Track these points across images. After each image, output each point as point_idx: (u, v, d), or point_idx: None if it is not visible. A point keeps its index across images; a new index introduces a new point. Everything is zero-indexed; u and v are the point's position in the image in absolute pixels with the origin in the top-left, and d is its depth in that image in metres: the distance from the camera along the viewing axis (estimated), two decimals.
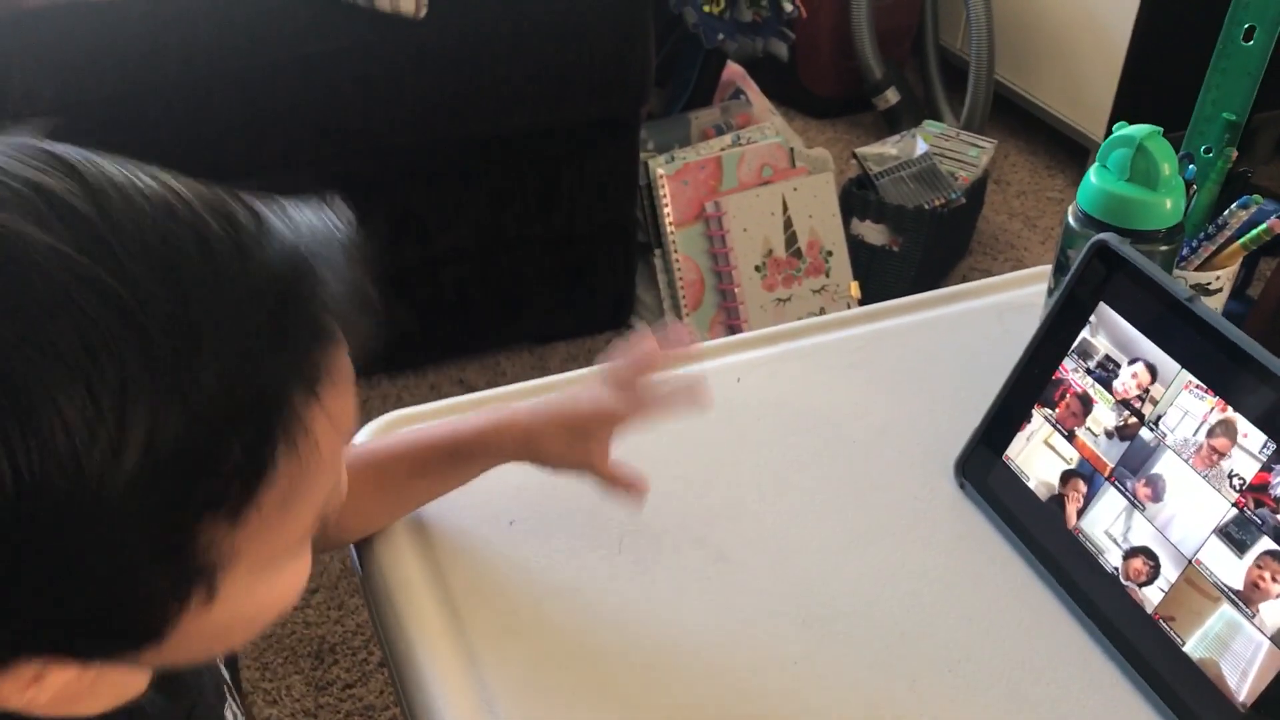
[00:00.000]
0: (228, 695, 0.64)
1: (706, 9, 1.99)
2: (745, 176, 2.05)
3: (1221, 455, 0.69)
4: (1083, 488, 0.76)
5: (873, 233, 2.17)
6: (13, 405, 0.36)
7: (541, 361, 2.01)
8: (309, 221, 0.45)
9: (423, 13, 1.73)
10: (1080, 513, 0.76)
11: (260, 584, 0.46)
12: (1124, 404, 0.75)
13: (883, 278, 2.16)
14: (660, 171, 1.99)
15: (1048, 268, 0.95)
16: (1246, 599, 0.67)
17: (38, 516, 0.37)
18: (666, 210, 2.00)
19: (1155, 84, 2.12)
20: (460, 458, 0.77)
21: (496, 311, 1.99)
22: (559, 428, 0.75)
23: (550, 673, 0.71)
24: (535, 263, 1.97)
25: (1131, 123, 0.82)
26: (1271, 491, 0.67)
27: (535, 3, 1.80)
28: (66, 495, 0.36)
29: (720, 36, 2.01)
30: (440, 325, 1.95)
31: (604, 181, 1.92)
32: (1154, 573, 0.72)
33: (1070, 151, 2.68)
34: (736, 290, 2.03)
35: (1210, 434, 0.70)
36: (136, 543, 0.39)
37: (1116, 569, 0.73)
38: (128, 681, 0.51)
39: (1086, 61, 2.54)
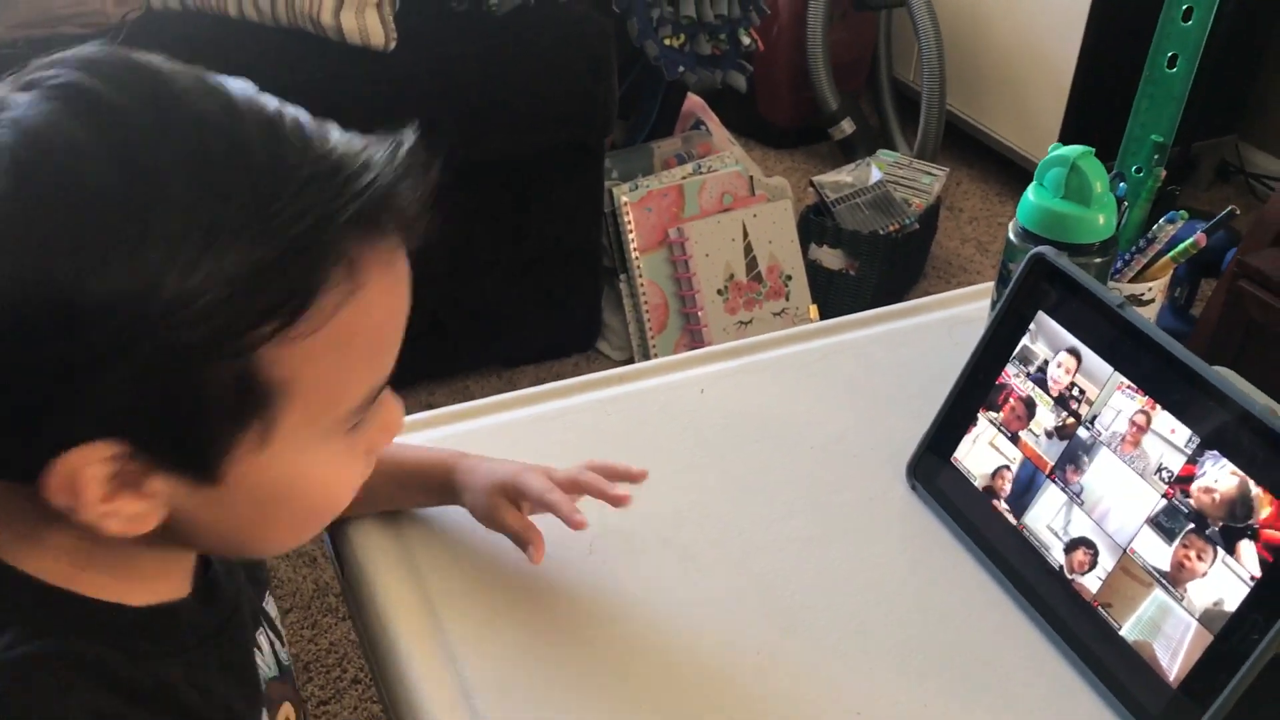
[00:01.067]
0: (263, 623, 0.67)
1: (667, 42, 2.05)
2: (706, 204, 2.11)
3: (1143, 432, 0.74)
4: (1013, 480, 0.82)
5: (830, 257, 2.24)
6: (122, 222, 0.44)
7: (509, 385, 2.05)
8: (373, 138, 0.51)
9: (392, 45, 1.78)
10: (1023, 508, 0.81)
11: (309, 453, 0.52)
12: (1061, 404, 0.80)
13: (840, 301, 2.22)
14: (624, 199, 2.04)
15: (992, 284, 1.01)
16: (1174, 580, 0.72)
17: (123, 315, 0.44)
18: (631, 236, 2.05)
19: (1099, 111, 2.20)
20: (431, 487, 0.83)
21: (464, 335, 2.02)
22: (484, 482, 0.79)
23: (527, 668, 0.75)
24: (503, 288, 2.01)
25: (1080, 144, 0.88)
26: (1196, 482, 0.72)
27: (501, 36, 1.85)
28: (146, 297, 0.44)
29: (680, 69, 2.07)
30: (408, 349, 1.98)
31: (570, 208, 1.97)
32: (1093, 562, 0.76)
33: (1020, 178, 2.76)
34: (700, 314, 2.08)
35: (1135, 423, 0.75)
36: (206, 346, 0.45)
37: (1059, 561, 0.78)
38: (182, 537, 0.54)
39: (1034, 91, 2.63)
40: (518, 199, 1.94)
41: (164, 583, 0.58)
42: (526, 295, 2.03)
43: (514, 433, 0.94)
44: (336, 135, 0.50)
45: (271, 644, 0.67)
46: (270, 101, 0.50)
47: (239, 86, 0.49)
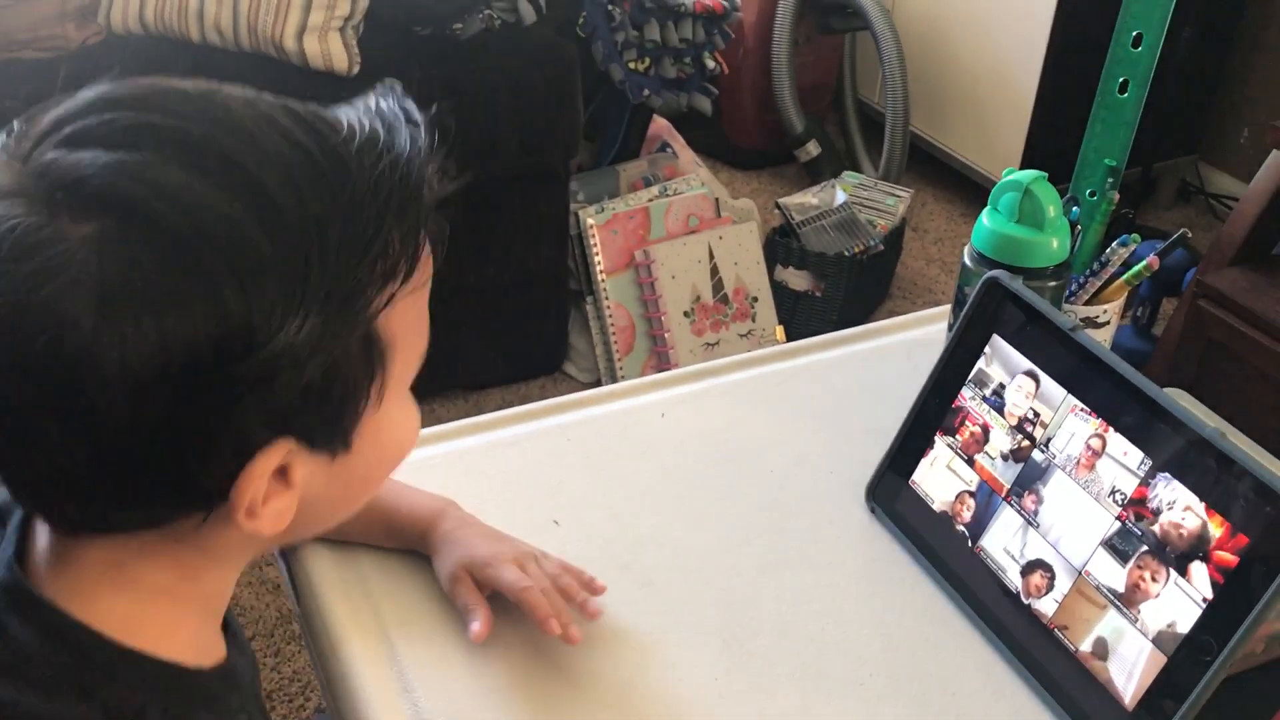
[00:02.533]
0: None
1: (632, 65, 2.05)
2: (673, 226, 2.11)
3: (1097, 456, 0.75)
4: (970, 503, 0.82)
5: (796, 279, 2.24)
6: (281, 258, 0.47)
7: (475, 408, 2.04)
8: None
9: (355, 69, 1.77)
10: (980, 531, 0.81)
11: (399, 407, 0.55)
12: (1017, 428, 0.80)
13: (806, 322, 2.23)
14: (590, 221, 2.04)
15: (949, 309, 1.01)
16: (1129, 601, 0.72)
17: (289, 326, 0.46)
18: (597, 258, 2.05)
19: (1061, 132, 2.23)
20: (393, 532, 0.82)
21: (431, 359, 2.01)
22: (459, 563, 0.79)
23: (484, 694, 0.74)
24: (469, 311, 2.00)
25: (1043, 169, 0.88)
26: (1149, 504, 0.72)
27: (466, 61, 1.85)
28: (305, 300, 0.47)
29: (646, 92, 2.08)
30: None
31: (536, 231, 1.97)
32: (1049, 585, 0.77)
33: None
34: (667, 335, 2.09)
35: (1089, 446, 0.76)
36: (346, 323, 0.49)
37: (1016, 584, 0.78)
38: (297, 525, 0.55)
39: (997, 114, 2.66)
40: (483, 222, 1.93)
41: (204, 637, 0.58)
42: (492, 318, 2.03)
43: (475, 458, 0.94)
44: (345, 111, 0.53)
45: None
46: (273, 98, 0.52)
47: (250, 93, 0.52)
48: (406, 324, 0.53)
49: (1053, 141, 2.51)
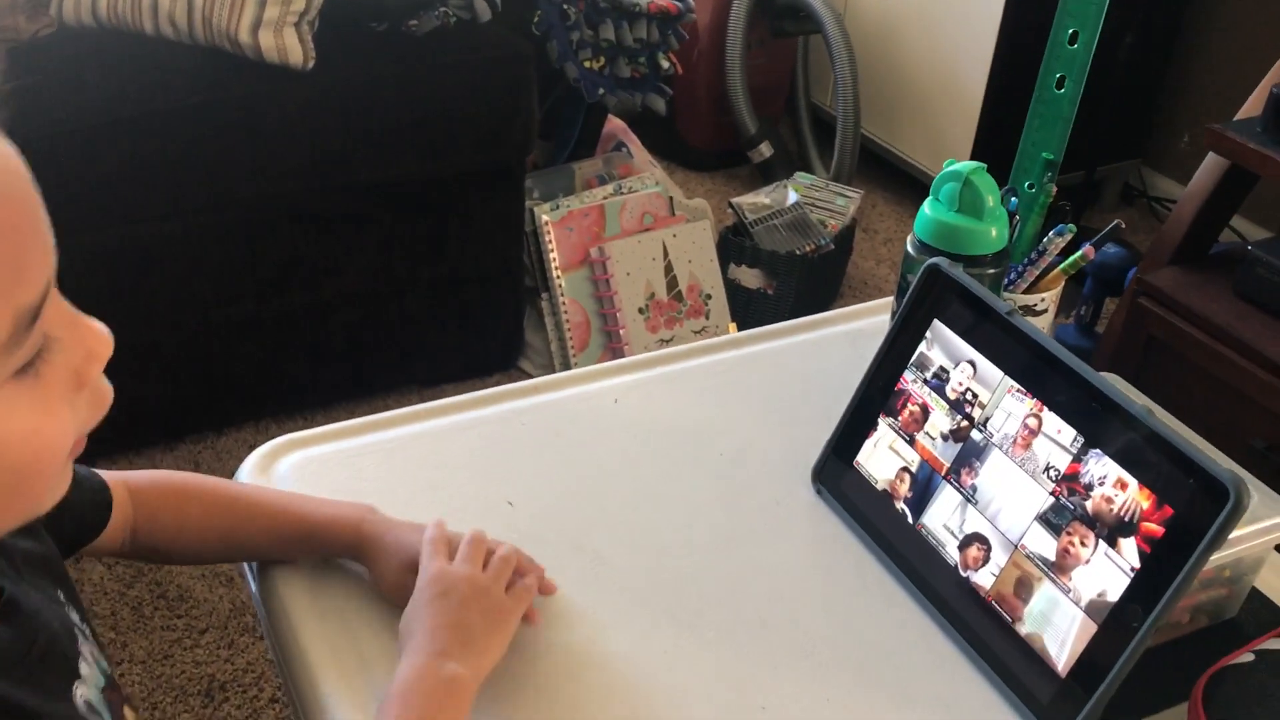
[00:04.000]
0: (79, 636, 0.63)
1: (587, 64, 2.08)
2: (627, 223, 2.14)
3: (1033, 434, 0.78)
4: (909, 480, 0.85)
5: (749, 277, 2.28)
6: None
7: None
8: None
9: (310, 64, 1.78)
10: (921, 508, 0.84)
11: None
12: (956, 408, 0.83)
13: (759, 319, 2.26)
14: (545, 218, 2.06)
15: (892, 300, 1.04)
16: (1061, 569, 0.75)
17: None
18: (552, 255, 2.07)
19: (1008, 134, 2.28)
20: (310, 542, 0.81)
21: (385, 355, 2.02)
22: (401, 560, 0.78)
23: None
24: (424, 307, 2.01)
25: (989, 168, 0.91)
26: (1082, 480, 0.75)
27: (421, 57, 1.87)
28: None
29: (600, 91, 2.10)
30: (329, 369, 1.98)
31: (490, 228, 1.98)
32: (986, 558, 0.80)
33: None
34: (621, 331, 2.11)
35: (1025, 425, 0.79)
36: None
37: (954, 558, 0.81)
38: None
39: (945, 116, 2.71)
40: (438, 218, 1.94)
41: None
42: (447, 314, 2.04)
43: (429, 442, 0.96)
44: None
45: (93, 655, 0.64)
46: None
47: None
48: None
49: (1000, 143, 2.56)
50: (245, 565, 0.86)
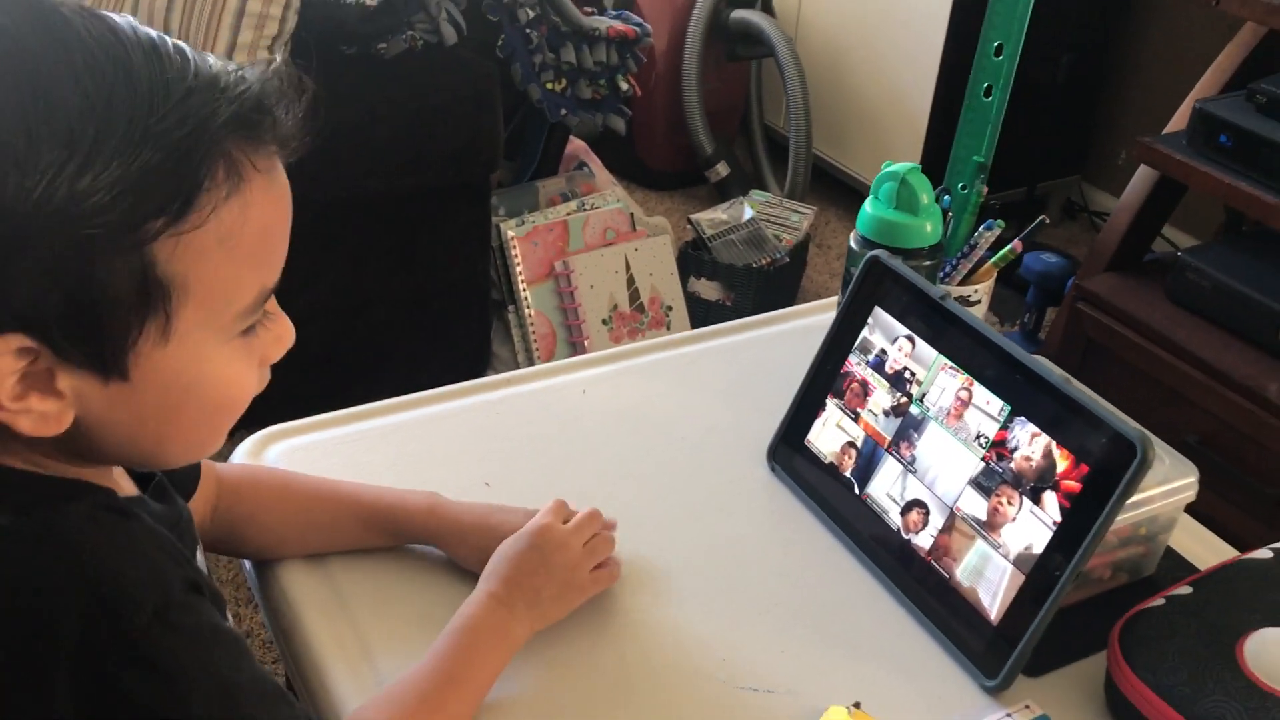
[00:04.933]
0: (199, 541, 0.73)
1: (549, 86, 2.15)
2: (590, 238, 2.21)
3: (965, 406, 0.86)
4: (854, 453, 0.92)
5: (708, 289, 2.36)
6: (16, 130, 0.50)
7: None
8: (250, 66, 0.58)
9: None
10: (866, 479, 0.92)
11: (207, 352, 0.58)
12: (896, 384, 0.91)
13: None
14: (511, 233, 2.13)
15: (838, 296, 1.12)
16: (991, 527, 0.83)
17: (21, 213, 0.49)
18: (519, 269, 2.14)
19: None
20: (386, 526, 0.86)
21: (356, 367, 2.08)
22: (480, 530, 0.85)
23: (426, 629, 0.81)
24: (394, 320, 2.07)
25: (935, 184, 1.00)
26: (1009, 445, 0.83)
27: (390, 79, 1.94)
28: (43, 196, 0.50)
29: (563, 111, 2.18)
30: (301, 382, 2.03)
31: (458, 243, 2.05)
32: (925, 521, 0.87)
33: None
34: (586, 343, 2.18)
35: (958, 398, 0.87)
36: (103, 241, 0.51)
37: (897, 523, 0.89)
38: (93, 443, 0.58)
39: (893, 135, 2.81)
40: (407, 234, 2.01)
41: (116, 485, 0.64)
42: (416, 326, 2.10)
43: (410, 431, 1.02)
44: (214, 59, 0.57)
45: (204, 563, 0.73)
46: (153, 31, 0.56)
47: (123, 18, 0.56)
48: (204, 269, 0.55)
49: (946, 157, 2.67)
50: (243, 560, 0.90)
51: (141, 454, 0.62)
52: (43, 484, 0.59)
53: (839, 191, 3.02)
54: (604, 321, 2.20)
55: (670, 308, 2.29)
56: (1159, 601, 0.82)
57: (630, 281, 2.23)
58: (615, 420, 1.05)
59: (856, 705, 0.78)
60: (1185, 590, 0.82)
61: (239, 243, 0.56)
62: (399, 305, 2.06)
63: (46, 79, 0.51)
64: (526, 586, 0.79)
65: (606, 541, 0.85)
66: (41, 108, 0.50)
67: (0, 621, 0.54)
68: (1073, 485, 0.79)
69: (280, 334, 0.63)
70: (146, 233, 0.52)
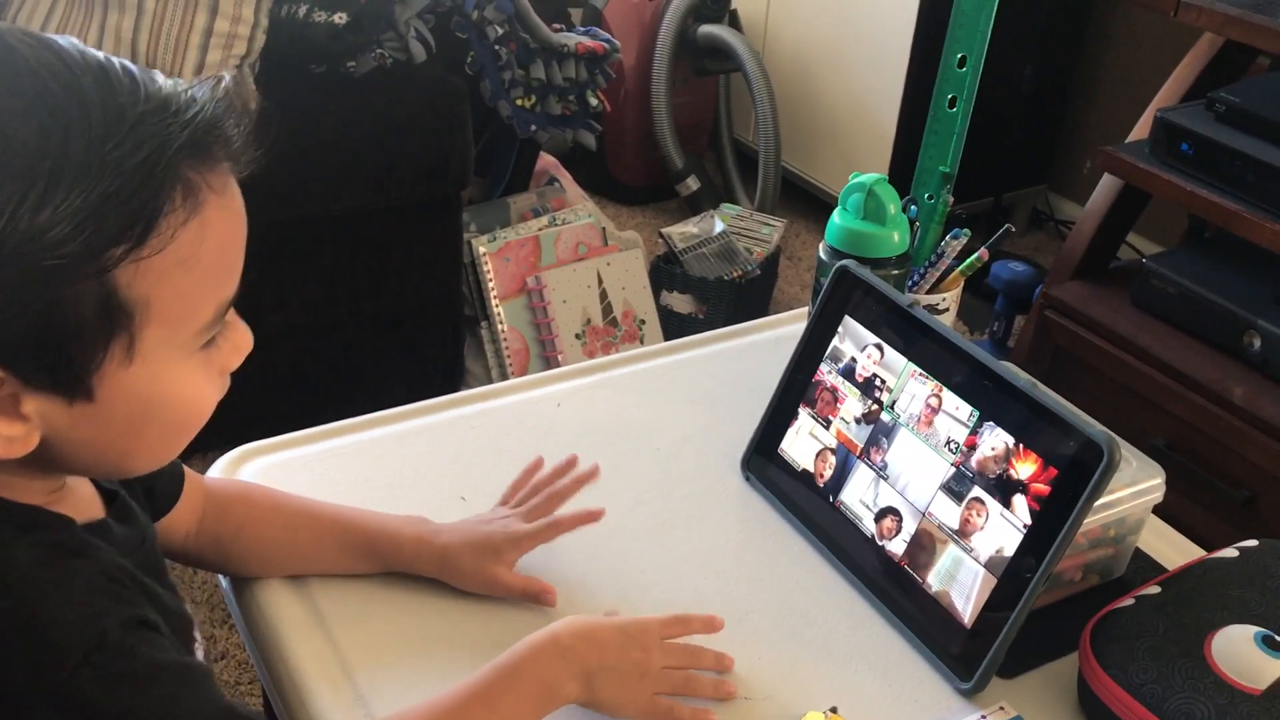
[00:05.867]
0: (163, 562, 0.73)
1: (519, 102, 2.16)
2: (562, 253, 2.22)
3: (935, 412, 0.87)
4: (831, 461, 0.93)
5: (680, 302, 2.37)
6: None
7: None
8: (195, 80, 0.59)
9: (253, 104, 1.84)
10: (839, 487, 0.93)
11: (171, 369, 0.59)
12: (866, 392, 0.92)
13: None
14: (483, 249, 2.13)
15: (809, 307, 1.13)
16: (962, 531, 0.84)
17: None
18: (491, 285, 2.14)
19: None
20: (373, 553, 0.86)
21: (329, 385, 2.08)
22: (471, 549, 0.85)
23: (407, 648, 0.82)
24: (366, 337, 2.07)
25: (902, 194, 1.01)
26: (979, 450, 0.84)
27: (360, 97, 1.94)
28: (11, 234, 0.50)
29: (533, 127, 2.18)
30: (274, 400, 2.02)
31: (430, 259, 2.05)
32: (899, 528, 0.88)
33: None
34: (560, 357, 2.18)
35: (928, 404, 0.88)
36: (65, 271, 0.52)
37: (870, 529, 0.90)
38: (59, 459, 0.59)
39: (861, 146, 2.84)
40: (378, 251, 2.01)
41: (80, 507, 0.64)
42: (389, 343, 2.10)
43: (384, 447, 1.02)
44: (162, 79, 0.57)
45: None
46: (98, 52, 0.56)
47: (67, 40, 0.56)
48: (165, 290, 0.55)
49: (911, 169, 2.70)
50: (220, 578, 0.90)
51: (106, 467, 0.64)
52: None
53: (808, 203, 3.04)
54: (577, 336, 2.21)
55: (643, 321, 2.30)
56: (1129, 601, 0.83)
57: (603, 296, 2.24)
58: (590, 433, 1.05)
59: (834, 710, 0.79)
60: (1154, 590, 0.84)
61: (198, 262, 0.57)
62: (371, 323, 2.06)
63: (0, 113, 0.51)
64: (595, 652, 0.75)
65: (692, 681, 0.79)
66: None
67: None
68: (1042, 488, 0.80)
69: (238, 342, 0.64)
70: (108, 260, 0.53)
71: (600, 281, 2.24)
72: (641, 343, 2.29)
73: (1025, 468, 0.82)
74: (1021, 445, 0.82)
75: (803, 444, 0.96)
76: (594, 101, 2.26)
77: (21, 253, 0.51)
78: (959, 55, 1.03)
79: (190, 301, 0.58)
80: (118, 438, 0.60)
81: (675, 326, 2.36)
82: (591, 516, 0.88)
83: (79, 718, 0.55)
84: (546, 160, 2.50)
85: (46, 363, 0.54)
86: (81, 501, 0.65)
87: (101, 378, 0.56)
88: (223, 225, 0.58)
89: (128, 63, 0.56)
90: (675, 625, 0.80)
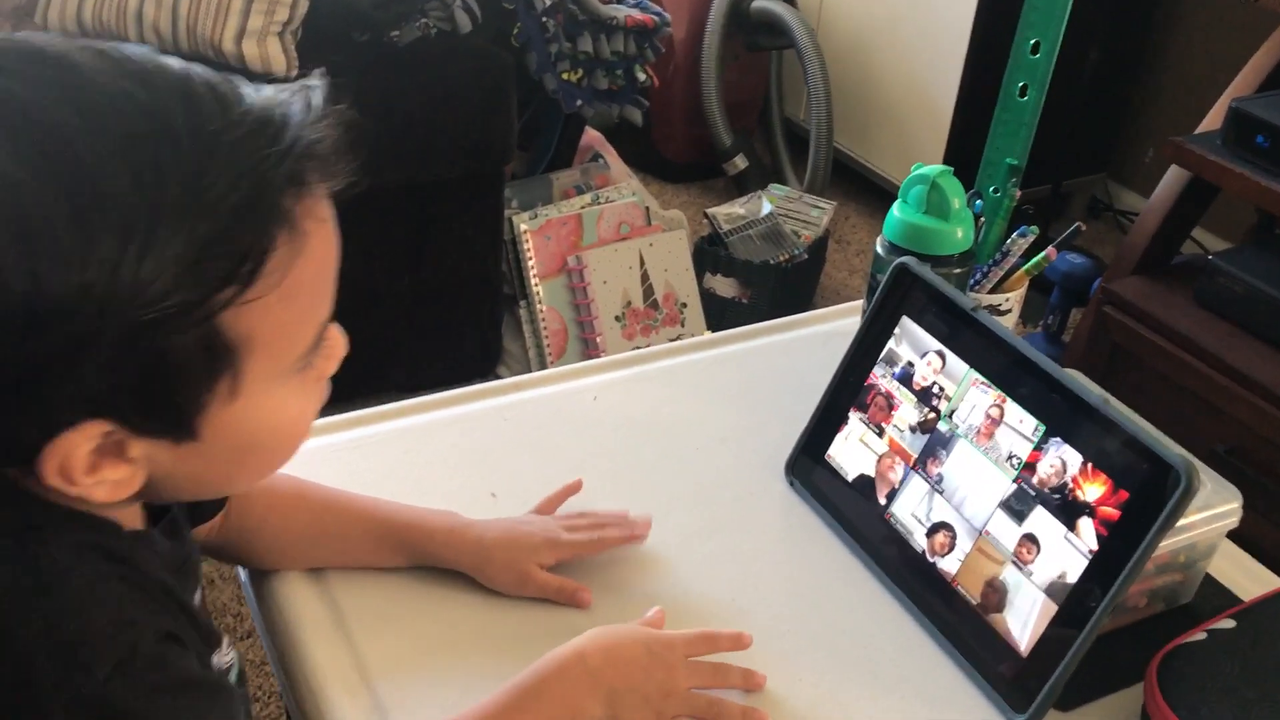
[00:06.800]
0: (200, 582, 0.71)
1: (565, 76, 2.11)
2: (604, 233, 2.17)
3: (996, 424, 0.81)
4: (889, 467, 0.88)
5: (724, 286, 2.31)
6: (66, 225, 0.47)
7: None
8: (282, 89, 0.55)
9: (294, 73, 1.80)
10: (890, 498, 0.87)
11: (274, 397, 0.57)
12: (923, 400, 0.87)
13: (734, 328, 2.30)
14: (524, 227, 2.09)
15: (863, 301, 1.08)
16: (1022, 552, 0.78)
17: (86, 310, 0.47)
18: (531, 263, 2.10)
19: (977, 145, 2.34)
20: (402, 545, 0.82)
21: (365, 362, 2.04)
22: (506, 545, 0.82)
23: (429, 655, 0.78)
24: (403, 314, 2.04)
25: (961, 182, 0.95)
26: (1043, 467, 0.79)
27: (404, 65, 1.90)
28: (104, 290, 0.47)
29: (578, 102, 2.13)
30: None
31: (470, 236, 2.01)
32: (952, 545, 0.83)
33: None
34: (598, 339, 2.14)
35: (989, 415, 0.82)
36: (170, 322, 0.49)
37: (922, 545, 0.84)
38: (162, 491, 0.58)
39: (916, 128, 2.76)
40: (417, 226, 1.97)
41: (125, 515, 0.61)
42: (427, 321, 2.06)
43: (413, 438, 0.98)
44: (248, 90, 0.53)
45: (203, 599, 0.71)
46: (173, 62, 0.52)
47: (140, 54, 0.52)
48: (269, 324, 0.53)
49: (969, 153, 2.60)
50: (240, 570, 0.87)
51: (208, 492, 0.64)
52: (43, 511, 0.56)
53: (860, 186, 2.97)
54: (617, 318, 2.16)
55: (685, 305, 2.24)
56: (1200, 635, 0.77)
57: (644, 277, 2.19)
58: (626, 429, 1.00)
59: None
60: (1228, 624, 0.78)
61: (299, 291, 0.54)
62: (408, 300, 2.02)
63: (88, 161, 0.48)
64: (621, 673, 0.72)
65: (716, 706, 0.74)
66: (89, 195, 0.47)
67: None
68: (1110, 512, 0.75)
69: (333, 349, 0.62)
70: (214, 306, 0.51)
71: (642, 262, 2.19)
72: (682, 326, 2.24)
73: (1093, 489, 0.76)
74: (1090, 464, 0.76)
75: (852, 450, 0.91)
76: (642, 76, 2.21)
77: (124, 310, 0.48)
78: (1032, 40, 0.97)
79: (292, 331, 0.56)
80: (222, 468, 0.59)
81: (718, 311, 2.30)
82: (637, 539, 0.86)
83: None
84: (592, 134, 2.45)
85: (152, 410, 0.53)
86: (127, 509, 0.62)
87: (206, 418, 0.54)
88: (322, 250, 0.56)
89: (208, 73, 0.53)
90: (701, 643, 0.76)
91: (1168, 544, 0.80)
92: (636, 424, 1.01)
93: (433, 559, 0.83)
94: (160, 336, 0.49)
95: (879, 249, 0.97)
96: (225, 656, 0.69)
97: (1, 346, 0.48)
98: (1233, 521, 0.83)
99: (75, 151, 0.48)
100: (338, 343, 0.63)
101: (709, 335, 1.14)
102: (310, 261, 0.54)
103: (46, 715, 0.51)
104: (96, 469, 0.53)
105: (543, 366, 2.15)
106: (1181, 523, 0.79)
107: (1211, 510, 0.82)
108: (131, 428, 0.52)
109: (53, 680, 0.51)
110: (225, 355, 0.52)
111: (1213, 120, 1.87)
